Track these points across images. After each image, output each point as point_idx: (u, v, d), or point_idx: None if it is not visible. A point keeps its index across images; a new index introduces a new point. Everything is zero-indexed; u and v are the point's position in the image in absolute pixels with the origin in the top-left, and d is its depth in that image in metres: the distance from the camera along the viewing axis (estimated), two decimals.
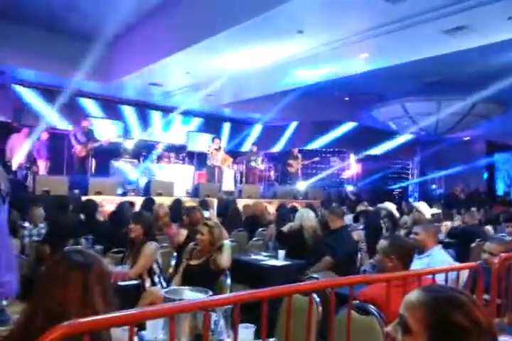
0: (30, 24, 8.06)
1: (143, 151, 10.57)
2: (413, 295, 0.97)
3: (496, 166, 17.53)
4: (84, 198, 6.47)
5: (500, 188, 17.45)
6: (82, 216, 5.07)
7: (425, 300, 0.93)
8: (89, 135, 8.67)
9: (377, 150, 14.67)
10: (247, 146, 13.34)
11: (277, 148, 14.60)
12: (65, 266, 1.32)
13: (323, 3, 5.48)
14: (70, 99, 9.83)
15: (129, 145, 10.50)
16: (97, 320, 1.08)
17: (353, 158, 14.17)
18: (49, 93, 10.09)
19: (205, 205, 6.49)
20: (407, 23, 6.01)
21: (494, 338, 0.91)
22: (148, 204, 6.02)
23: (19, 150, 8.36)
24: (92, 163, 8.83)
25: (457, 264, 2.92)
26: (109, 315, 1.13)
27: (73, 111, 10.36)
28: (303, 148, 13.22)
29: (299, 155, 11.77)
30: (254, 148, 11.51)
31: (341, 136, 14.07)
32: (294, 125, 14.35)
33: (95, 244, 4.00)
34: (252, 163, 11.26)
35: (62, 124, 10.33)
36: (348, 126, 14.01)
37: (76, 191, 7.57)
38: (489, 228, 6.54)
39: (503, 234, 5.75)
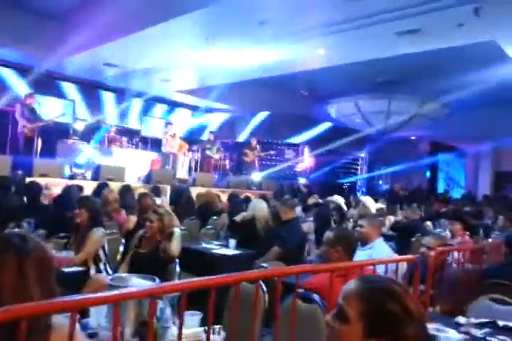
0: None
1: (93, 133, 10.16)
2: (350, 284, 1.02)
3: (438, 166, 18.56)
4: (28, 180, 6.15)
5: (441, 187, 18.52)
6: (24, 199, 4.83)
7: (361, 289, 0.98)
8: (33, 113, 8.18)
9: (330, 145, 15.04)
10: (206, 135, 13.22)
11: (237, 138, 14.59)
12: (2, 249, 1.27)
13: None
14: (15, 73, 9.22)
15: (79, 126, 10.06)
16: (37, 306, 1.05)
17: (307, 151, 14.44)
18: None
19: (156, 192, 6.39)
20: (363, 23, 6.21)
21: (424, 325, 0.98)
22: (102, 189, 5.79)
23: None
24: (38, 144, 8.36)
25: (397, 256, 3.08)
26: (50, 301, 1.10)
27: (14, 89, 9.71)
28: (260, 139, 13.30)
29: (257, 146, 11.84)
30: (212, 137, 11.42)
31: (296, 130, 14.29)
32: (258, 117, 14.36)
33: (38, 228, 3.84)
34: (208, 152, 11.19)
35: (4, 101, 9.68)
36: (304, 121, 14.22)
37: (20, 172, 7.17)
38: (429, 223, 6.94)
39: (441, 230, 6.12)
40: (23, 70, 9.83)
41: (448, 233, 5.38)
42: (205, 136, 12.53)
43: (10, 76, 10.03)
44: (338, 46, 7.39)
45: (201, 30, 6.87)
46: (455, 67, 8.47)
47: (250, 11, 6.04)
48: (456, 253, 3.37)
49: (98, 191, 5.75)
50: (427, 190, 16.76)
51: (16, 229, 3.35)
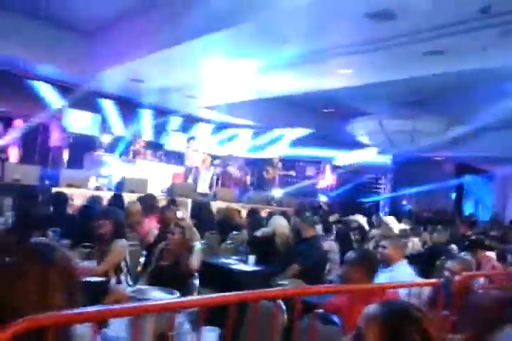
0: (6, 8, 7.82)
1: (119, 146, 10.41)
2: (371, 308, 1.01)
3: (464, 188, 18.11)
4: (54, 190, 6.31)
5: (467, 210, 18.03)
6: (51, 208, 4.95)
7: (381, 313, 0.98)
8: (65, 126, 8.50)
9: (352, 162, 14.95)
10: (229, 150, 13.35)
11: (258, 154, 14.67)
12: (27, 257, 1.29)
13: (310, 13, 5.57)
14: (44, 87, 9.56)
15: (106, 139, 10.32)
16: (59, 316, 1.06)
17: (328, 168, 14.37)
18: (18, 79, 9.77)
19: (174, 204, 6.43)
20: (389, 43, 6.21)
21: None
22: (116, 200, 5.85)
23: None
24: (66, 155, 8.63)
25: (420, 280, 3.00)
26: (72, 311, 1.11)
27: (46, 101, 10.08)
28: (282, 156, 13.33)
29: (279, 164, 11.87)
30: (233, 153, 11.53)
31: (318, 147, 14.26)
32: (275, 133, 14.44)
33: (63, 238, 3.91)
34: (229, 168, 11.27)
35: (37, 113, 10.04)
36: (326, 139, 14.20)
37: (47, 182, 7.38)
38: (454, 247, 6.74)
39: (466, 253, 5.93)
40: (56, 85, 10.25)
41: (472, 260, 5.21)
42: (226, 152, 12.66)
43: (44, 90, 10.46)
44: (364, 66, 7.41)
45: (226, 49, 7.00)
46: (482, 88, 8.36)
47: (275, 30, 6.11)
48: (482, 279, 3.26)
49: (113, 202, 5.78)
50: (452, 212, 16.34)
51: (42, 238, 3.43)
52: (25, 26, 7.98)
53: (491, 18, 5.11)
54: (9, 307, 1.17)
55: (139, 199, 5.78)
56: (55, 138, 8.24)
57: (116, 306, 1.31)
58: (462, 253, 6.02)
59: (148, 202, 5.78)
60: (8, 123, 9.08)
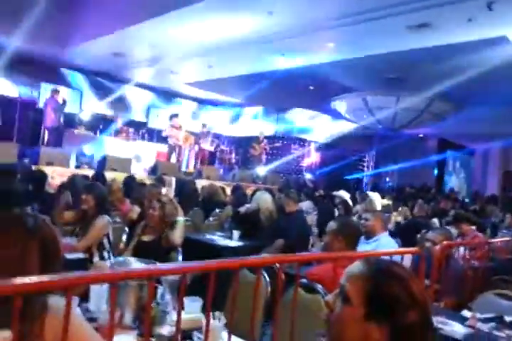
0: None
1: (100, 124, 10.17)
2: (354, 266, 0.99)
3: (446, 164, 18.39)
4: (33, 168, 6.17)
5: (449, 185, 18.38)
6: (30, 186, 4.84)
7: (365, 271, 0.95)
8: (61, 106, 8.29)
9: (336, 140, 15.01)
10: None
11: (239, 132, 14.55)
12: (10, 224, 1.25)
13: None
14: (21, 62, 9.23)
15: (85, 116, 10.07)
16: (32, 282, 1.02)
17: (313, 146, 14.39)
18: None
19: (161, 182, 6.38)
20: (373, 16, 6.11)
21: (428, 312, 0.94)
22: (98, 179, 5.76)
23: None
24: (45, 133, 8.42)
25: (401, 249, 3.04)
26: (45, 278, 1.07)
27: (25, 75, 9.74)
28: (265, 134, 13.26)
29: (264, 140, 11.82)
30: (204, 129, 11.42)
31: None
32: (257, 110, 14.32)
33: (41, 215, 3.83)
34: (202, 145, 11.22)
35: (13, 90, 9.72)
36: (311, 114, 14.16)
37: (26, 160, 7.21)
38: (435, 221, 6.87)
39: (448, 228, 6.05)
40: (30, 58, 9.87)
41: (454, 230, 5.32)
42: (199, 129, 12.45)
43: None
44: (348, 39, 7.31)
45: (210, 19, 6.80)
46: (465, 64, 8.34)
47: (259, 1, 5.96)
48: (462, 249, 3.32)
49: (95, 180, 5.66)
50: (434, 187, 16.64)
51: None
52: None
53: None
54: None
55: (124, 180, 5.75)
56: (50, 119, 8.04)
57: (92, 273, 1.27)
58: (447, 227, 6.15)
59: (130, 183, 5.74)
60: None
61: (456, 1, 5.44)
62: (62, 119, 8.26)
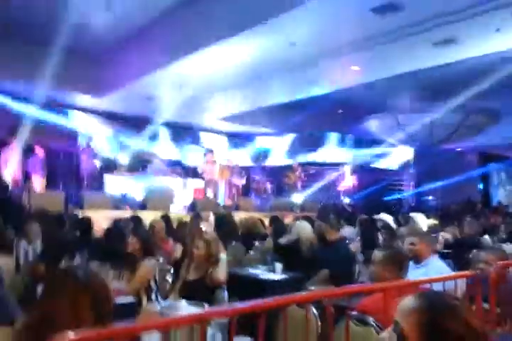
0: (18, 37, 8.05)
1: (139, 165, 10.55)
2: (407, 301, 0.97)
3: (489, 177, 17.63)
4: (80, 215, 6.42)
5: (496, 198, 17.52)
6: (77, 233, 5.02)
7: (419, 305, 0.93)
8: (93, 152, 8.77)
9: (374, 162, 14.81)
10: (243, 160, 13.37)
11: (273, 161, 14.65)
12: (61, 280, 1.32)
13: (314, 15, 5.57)
14: (64, 113, 9.83)
15: (124, 159, 10.49)
16: (89, 334, 1.06)
17: (348, 169, 14.22)
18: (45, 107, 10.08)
19: (198, 219, 6.45)
20: (397, 36, 6.13)
21: None
22: (135, 221, 5.85)
23: (10, 164, 8.37)
24: (85, 178, 8.84)
25: (453, 273, 2.91)
26: (98, 329, 1.11)
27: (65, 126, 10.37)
28: (299, 161, 13.30)
29: (299, 168, 11.85)
30: (231, 163, 11.58)
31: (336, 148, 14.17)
32: (287, 138, 14.44)
33: (90, 260, 3.96)
34: (233, 179, 11.39)
35: (59, 140, 10.31)
36: (343, 138, 14.13)
37: (71, 206, 7.54)
38: (487, 237, 6.53)
39: (500, 245, 5.73)
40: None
41: (509, 247, 5.04)
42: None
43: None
44: (373, 61, 7.34)
45: (233, 56, 7.04)
46: (496, 74, 8.14)
47: (281, 32, 6.13)
48: None
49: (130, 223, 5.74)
50: (480, 202, 15.90)
51: (70, 263, 3.47)
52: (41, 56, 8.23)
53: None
54: (47, 325, 1.19)
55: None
56: (85, 164, 8.49)
57: (145, 322, 1.30)
58: (503, 245, 5.82)
59: (168, 221, 5.84)
60: (29, 151, 9.34)
61: (480, 12, 5.39)
62: (99, 164, 8.64)
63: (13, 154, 8.55)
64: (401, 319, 0.94)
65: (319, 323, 2.23)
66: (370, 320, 2.07)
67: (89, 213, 6.26)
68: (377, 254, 2.43)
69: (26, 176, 8.71)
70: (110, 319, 1.32)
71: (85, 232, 4.98)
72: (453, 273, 2.85)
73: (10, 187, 8.23)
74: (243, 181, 11.95)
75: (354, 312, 2.12)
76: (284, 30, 6.03)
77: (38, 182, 9.05)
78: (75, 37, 7.79)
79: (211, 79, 8.31)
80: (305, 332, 1.75)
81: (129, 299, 3.18)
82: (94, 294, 1.30)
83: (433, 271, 3.12)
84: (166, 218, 6.14)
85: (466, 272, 2.53)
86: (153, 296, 3.37)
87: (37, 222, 5.02)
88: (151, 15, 7.22)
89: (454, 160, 15.57)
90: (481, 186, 17.34)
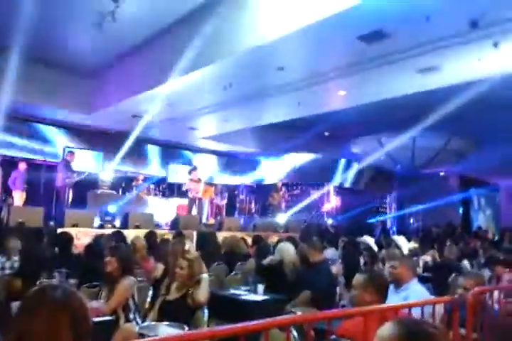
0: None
1: (122, 183, 10.46)
2: (385, 328, 0.98)
3: (470, 201, 17.98)
4: (59, 230, 6.30)
5: (476, 223, 17.82)
6: (56, 249, 4.93)
7: (398, 333, 0.95)
8: (69, 167, 8.63)
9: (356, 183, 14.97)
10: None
11: (257, 180, 14.72)
12: (38, 300, 1.30)
13: (303, 40, 5.71)
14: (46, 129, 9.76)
15: (106, 176, 10.39)
16: None
17: (332, 190, 14.35)
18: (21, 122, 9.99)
19: (180, 237, 6.39)
20: (381, 62, 6.30)
21: None
22: (116, 237, 5.82)
23: None
24: (69, 195, 8.68)
25: (433, 298, 2.94)
26: None
27: (49, 141, 10.29)
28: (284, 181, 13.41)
29: (283, 188, 11.93)
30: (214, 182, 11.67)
31: (320, 170, 14.32)
32: (274, 158, 14.56)
33: (69, 278, 3.88)
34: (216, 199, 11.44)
35: (40, 155, 10.19)
36: (328, 161, 14.29)
37: (51, 223, 7.39)
38: (466, 262, 6.62)
39: (480, 271, 5.80)
40: (60, 126, 10.49)
41: (488, 272, 5.10)
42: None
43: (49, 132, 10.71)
44: (358, 86, 7.52)
45: (220, 78, 7.16)
46: (480, 102, 8.39)
47: (268, 58, 6.27)
48: (496, 294, 3.18)
49: (113, 239, 5.67)
50: (460, 226, 16.14)
51: (48, 280, 3.40)
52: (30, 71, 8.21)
53: (481, 31, 5.18)
54: None
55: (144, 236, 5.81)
56: (60, 179, 8.32)
57: None
58: (481, 270, 5.88)
59: (151, 239, 5.78)
60: (11, 166, 9.20)
61: (463, 42, 5.58)
62: (73, 180, 8.50)
63: None
64: None
65: None
66: None
67: (70, 230, 6.14)
68: (358, 278, 2.45)
69: (6, 190, 8.54)
70: (89, 339, 1.30)
71: (64, 248, 4.89)
72: (432, 298, 2.87)
73: None
74: (224, 201, 11.98)
75: (334, 336, 2.13)
76: (273, 55, 6.17)
77: (18, 197, 8.88)
78: (66, 55, 7.90)
79: (199, 99, 8.41)
80: None
81: (107, 317, 3.11)
82: (73, 313, 1.28)
83: (413, 294, 3.15)
84: (149, 236, 6.08)
85: (445, 297, 2.56)
86: (131, 316, 3.30)
87: (15, 236, 4.92)
88: (144, 35, 7.34)
89: (435, 184, 15.87)
90: (461, 210, 17.64)
